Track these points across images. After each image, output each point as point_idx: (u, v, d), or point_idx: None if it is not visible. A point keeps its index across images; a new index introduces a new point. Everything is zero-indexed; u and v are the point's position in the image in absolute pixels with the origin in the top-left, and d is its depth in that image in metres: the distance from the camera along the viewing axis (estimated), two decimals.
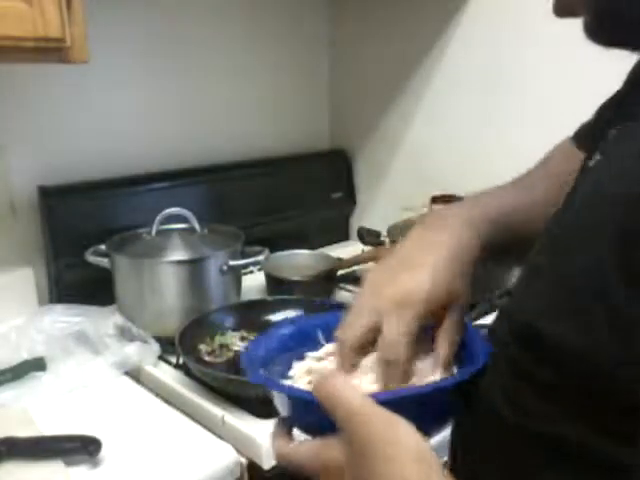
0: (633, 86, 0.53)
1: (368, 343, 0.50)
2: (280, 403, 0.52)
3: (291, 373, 0.55)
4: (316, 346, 0.56)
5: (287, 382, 0.54)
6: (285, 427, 0.51)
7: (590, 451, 0.39)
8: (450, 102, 1.43)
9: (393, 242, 1.27)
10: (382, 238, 1.34)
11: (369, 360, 0.51)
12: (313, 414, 0.46)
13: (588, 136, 0.59)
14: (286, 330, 0.59)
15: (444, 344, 0.50)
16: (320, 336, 0.57)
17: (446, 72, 1.42)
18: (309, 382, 0.53)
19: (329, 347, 0.55)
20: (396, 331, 0.48)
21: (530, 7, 1.23)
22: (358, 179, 1.68)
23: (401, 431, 0.42)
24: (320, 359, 0.55)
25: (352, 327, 0.51)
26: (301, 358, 0.56)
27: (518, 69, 1.29)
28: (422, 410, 0.45)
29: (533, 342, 0.41)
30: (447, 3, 1.37)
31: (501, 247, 0.58)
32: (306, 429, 0.49)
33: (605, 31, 0.49)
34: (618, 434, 0.37)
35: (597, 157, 0.47)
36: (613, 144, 0.45)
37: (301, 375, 0.54)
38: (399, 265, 0.53)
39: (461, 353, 0.52)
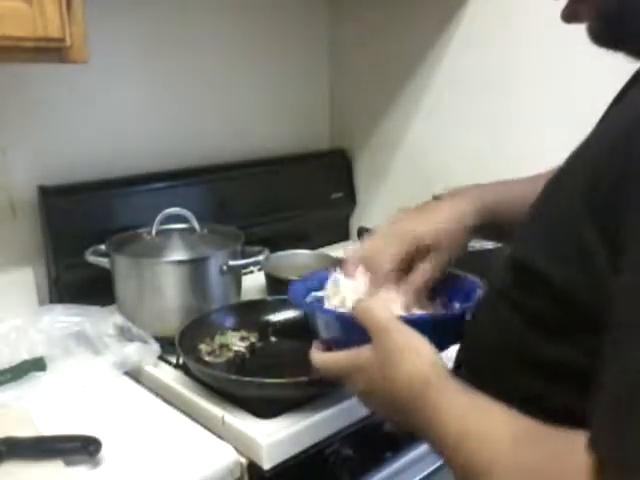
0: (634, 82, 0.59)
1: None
2: (322, 324, 0.68)
3: (321, 293, 0.74)
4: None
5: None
6: (322, 346, 0.67)
7: (561, 363, 0.48)
8: (450, 102, 1.42)
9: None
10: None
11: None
12: (349, 331, 0.61)
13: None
14: (316, 280, 0.78)
15: (417, 274, 0.69)
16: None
17: (446, 72, 1.42)
18: (341, 301, 0.69)
19: (327, 288, 0.73)
20: (384, 255, 0.69)
21: (530, 7, 1.23)
22: (358, 179, 1.68)
23: (418, 341, 0.56)
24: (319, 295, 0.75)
25: (362, 246, 0.72)
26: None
27: (518, 69, 1.29)
28: (432, 331, 0.58)
29: (527, 275, 0.49)
30: (447, 3, 1.37)
31: (493, 225, 0.72)
32: (340, 345, 0.63)
33: (612, 34, 0.53)
34: (588, 348, 0.44)
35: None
36: None
37: (331, 293, 0.72)
38: (412, 214, 0.73)
39: (459, 295, 0.72)
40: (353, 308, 0.62)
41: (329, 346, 0.66)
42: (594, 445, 0.39)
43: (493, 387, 0.50)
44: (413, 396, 0.53)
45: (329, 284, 0.73)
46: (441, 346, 0.59)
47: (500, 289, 0.55)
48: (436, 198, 0.78)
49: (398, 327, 0.57)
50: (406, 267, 0.71)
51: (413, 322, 0.58)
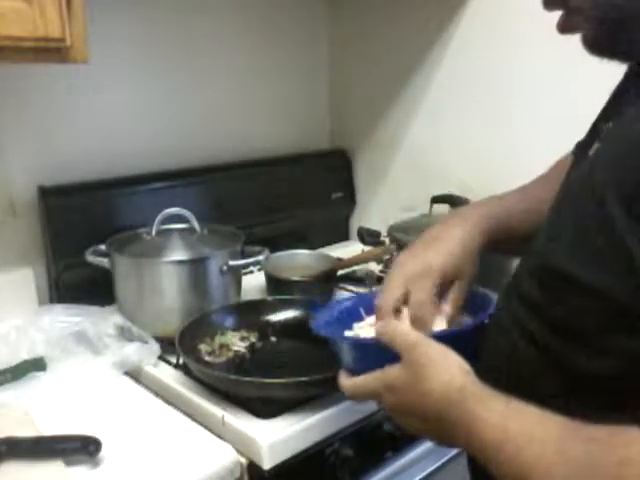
0: (622, 89, 0.63)
1: (400, 306, 0.68)
2: (347, 353, 0.67)
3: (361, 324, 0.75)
4: (360, 319, 0.75)
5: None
6: (348, 374, 0.66)
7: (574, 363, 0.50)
8: (450, 102, 1.42)
9: (393, 242, 1.27)
10: (382, 238, 1.34)
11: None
12: (374, 356, 0.62)
13: (582, 144, 0.70)
14: (337, 307, 0.79)
15: (451, 304, 0.69)
16: (362, 311, 0.75)
17: (446, 72, 1.42)
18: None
19: (369, 319, 0.73)
20: (420, 294, 0.67)
21: (530, 7, 1.23)
22: (358, 179, 1.68)
23: (448, 354, 0.57)
24: (362, 327, 0.74)
25: (387, 295, 0.68)
26: (350, 328, 0.74)
27: (518, 69, 1.29)
28: (458, 345, 0.59)
29: (559, 282, 0.51)
30: (446, 3, 1.37)
31: (500, 241, 0.75)
32: (366, 370, 0.63)
33: (611, 42, 0.55)
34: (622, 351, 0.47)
35: (596, 145, 0.56)
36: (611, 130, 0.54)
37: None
38: (421, 248, 0.72)
39: (473, 307, 0.72)
40: (378, 330, 0.62)
41: (354, 372, 0.66)
42: None
43: (513, 393, 0.51)
44: (450, 405, 0.54)
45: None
46: (467, 359, 0.60)
47: (524, 296, 0.57)
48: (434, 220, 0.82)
49: (427, 342, 0.59)
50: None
51: (440, 337, 0.60)
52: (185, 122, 1.40)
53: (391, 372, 0.59)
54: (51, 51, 0.81)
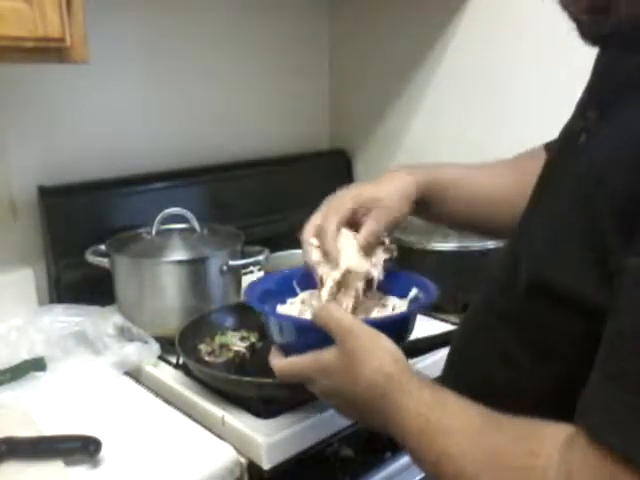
0: (599, 76, 0.62)
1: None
2: (280, 331, 0.67)
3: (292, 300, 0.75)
4: (293, 294, 0.76)
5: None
6: (281, 352, 0.66)
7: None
8: (450, 102, 1.42)
9: (393, 242, 1.26)
10: (382, 238, 1.34)
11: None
12: (309, 336, 0.62)
13: (567, 130, 0.69)
14: (272, 279, 0.79)
15: (362, 233, 0.73)
16: (296, 286, 0.76)
17: (446, 72, 1.42)
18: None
19: (303, 295, 0.75)
20: (328, 223, 0.77)
21: (530, 6, 1.23)
22: (358, 179, 1.68)
23: (382, 341, 0.57)
24: (294, 303, 0.75)
25: (309, 224, 0.80)
26: (283, 302, 0.75)
27: (518, 69, 1.29)
28: (390, 331, 0.59)
29: (544, 290, 0.50)
30: (447, 3, 1.37)
31: (430, 205, 0.77)
32: (300, 351, 0.62)
33: (605, 29, 0.54)
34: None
35: (583, 137, 0.55)
36: (597, 123, 0.53)
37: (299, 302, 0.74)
38: (351, 188, 0.81)
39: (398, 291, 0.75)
40: (314, 313, 0.62)
41: (287, 351, 0.66)
42: (590, 427, 0.40)
43: (484, 393, 0.51)
44: (376, 393, 0.55)
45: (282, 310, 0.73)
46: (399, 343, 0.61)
47: (503, 301, 0.57)
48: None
49: (361, 327, 0.58)
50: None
51: (374, 324, 0.60)
52: (185, 122, 1.40)
53: (325, 356, 0.59)
54: (51, 51, 0.81)
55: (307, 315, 0.70)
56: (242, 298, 1.13)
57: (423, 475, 0.99)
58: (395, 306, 0.74)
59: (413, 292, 0.75)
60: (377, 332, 0.58)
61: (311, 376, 0.61)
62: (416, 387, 0.53)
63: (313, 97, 1.66)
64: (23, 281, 1.16)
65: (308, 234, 0.78)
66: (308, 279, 0.74)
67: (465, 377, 0.62)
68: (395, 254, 1.22)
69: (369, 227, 0.73)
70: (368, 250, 0.73)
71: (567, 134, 0.65)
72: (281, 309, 0.74)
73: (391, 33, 1.50)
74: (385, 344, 0.57)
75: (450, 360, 0.66)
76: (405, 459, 0.99)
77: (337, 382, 0.58)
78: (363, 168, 1.66)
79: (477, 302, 0.64)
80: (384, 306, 0.74)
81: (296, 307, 0.74)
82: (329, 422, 0.86)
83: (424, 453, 0.50)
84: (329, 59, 1.66)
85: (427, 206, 0.77)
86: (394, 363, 0.56)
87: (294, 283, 0.76)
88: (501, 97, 1.33)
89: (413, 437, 0.51)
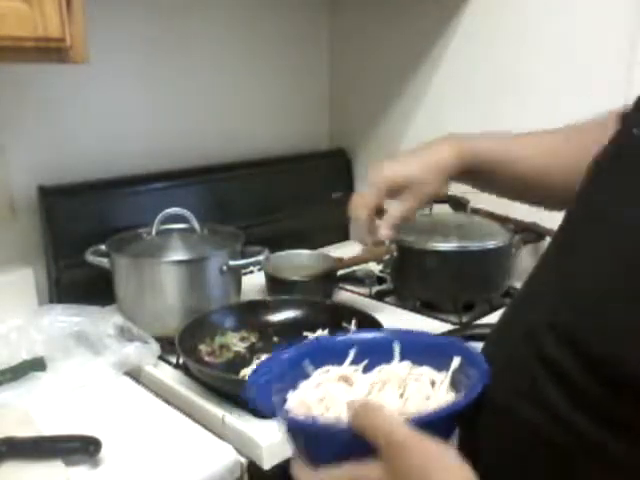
0: None
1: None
2: (303, 438, 0.51)
3: (287, 406, 0.53)
4: (304, 375, 0.57)
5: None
6: (306, 459, 0.50)
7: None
8: (450, 102, 1.42)
9: (393, 242, 1.26)
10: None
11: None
12: (342, 446, 0.46)
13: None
14: (276, 361, 0.59)
15: (395, 210, 0.79)
16: (308, 365, 0.58)
17: (446, 72, 1.42)
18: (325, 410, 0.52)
19: (317, 374, 0.56)
20: (361, 199, 0.81)
21: (532, 6, 1.23)
22: (358, 179, 1.68)
23: (445, 458, 0.43)
24: (309, 388, 0.55)
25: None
26: (295, 388, 0.55)
27: (519, 69, 1.29)
28: (449, 426, 0.48)
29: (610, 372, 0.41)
30: (447, 3, 1.37)
31: (473, 173, 0.77)
32: (330, 461, 0.47)
33: None
34: None
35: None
36: None
37: (297, 406, 0.53)
38: (388, 161, 0.81)
39: (461, 377, 0.53)
40: (352, 419, 0.46)
41: (312, 458, 0.49)
42: None
43: None
44: None
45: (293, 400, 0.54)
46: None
47: (550, 365, 0.45)
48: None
49: (417, 440, 0.44)
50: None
51: (429, 423, 0.46)
52: (185, 122, 1.40)
53: (369, 471, 0.45)
54: (51, 51, 0.81)
55: (329, 409, 0.52)
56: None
57: None
58: (434, 381, 0.54)
59: (456, 361, 0.54)
60: (436, 445, 0.44)
61: None
62: None
63: (313, 97, 1.66)
64: (23, 281, 1.16)
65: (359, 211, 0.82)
66: (323, 355, 0.58)
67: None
68: (395, 254, 1.23)
69: (401, 207, 0.79)
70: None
71: (631, 121, 0.53)
72: (293, 399, 0.54)
73: (391, 33, 1.50)
74: (449, 463, 0.44)
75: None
76: None
77: None
78: (363, 168, 1.66)
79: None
80: (418, 381, 0.55)
81: (312, 392, 0.54)
82: None
83: None
84: (329, 59, 1.66)
85: (473, 178, 0.79)
86: None
87: (307, 362, 0.58)
88: (501, 96, 1.33)
89: None
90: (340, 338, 0.62)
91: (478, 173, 0.78)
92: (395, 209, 0.80)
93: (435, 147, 0.79)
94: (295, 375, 0.56)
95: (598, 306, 0.43)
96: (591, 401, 0.42)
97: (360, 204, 0.82)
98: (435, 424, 0.46)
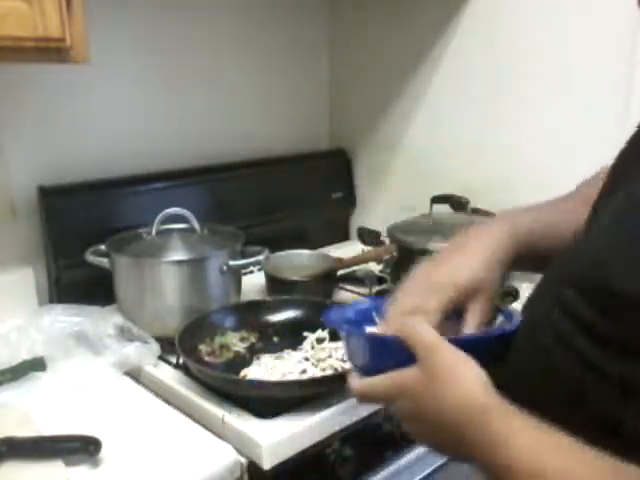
0: None
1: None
2: (360, 350, 0.63)
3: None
4: (373, 323, 0.70)
5: None
6: (360, 375, 0.61)
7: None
8: (450, 102, 1.43)
9: (393, 242, 1.27)
10: (382, 238, 1.34)
11: None
12: (390, 355, 0.58)
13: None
14: (351, 308, 0.74)
15: (471, 324, 0.64)
16: (375, 316, 0.71)
17: (446, 72, 1.42)
18: None
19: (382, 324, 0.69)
20: (431, 305, 0.63)
21: (531, 7, 1.23)
22: (358, 179, 1.68)
23: (468, 363, 0.53)
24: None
25: (398, 304, 0.65)
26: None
27: (518, 71, 1.29)
28: (477, 352, 0.55)
29: (603, 297, 0.47)
30: (447, 3, 1.37)
31: (523, 257, 0.69)
32: (378, 371, 0.58)
33: None
34: None
35: None
36: None
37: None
38: (441, 260, 0.68)
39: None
40: (397, 327, 0.58)
41: (367, 374, 0.61)
42: None
43: (547, 414, 0.48)
44: (467, 419, 0.51)
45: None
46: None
47: (570, 313, 0.52)
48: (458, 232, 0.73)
49: (446, 346, 0.54)
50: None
51: (460, 343, 0.56)
52: (185, 122, 1.40)
53: (406, 374, 0.55)
54: (51, 51, 0.81)
55: None
56: (252, 297, 1.13)
57: (423, 475, 1.00)
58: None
59: (499, 320, 0.67)
60: (462, 353, 0.54)
61: (391, 394, 0.57)
62: (518, 420, 0.49)
63: (313, 97, 1.66)
64: (23, 281, 1.16)
65: (396, 314, 0.66)
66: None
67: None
68: (395, 254, 1.23)
69: (474, 320, 0.65)
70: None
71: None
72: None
73: (391, 33, 1.50)
74: (470, 367, 0.53)
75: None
76: (405, 459, 0.99)
77: (415, 403, 0.54)
78: (363, 168, 1.66)
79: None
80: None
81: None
82: (329, 422, 0.86)
83: None
84: (329, 59, 1.66)
85: (519, 261, 0.70)
86: (484, 389, 0.52)
87: (374, 314, 0.71)
88: (501, 97, 1.33)
89: (522, 474, 0.47)
90: None
91: (525, 253, 0.70)
92: (472, 319, 0.66)
93: (488, 237, 0.69)
94: (363, 322, 0.69)
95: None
96: (596, 330, 0.48)
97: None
98: (467, 347, 0.55)
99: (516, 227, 0.69)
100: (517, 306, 0.67)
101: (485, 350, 0.57)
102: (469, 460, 0.52)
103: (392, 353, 0.58)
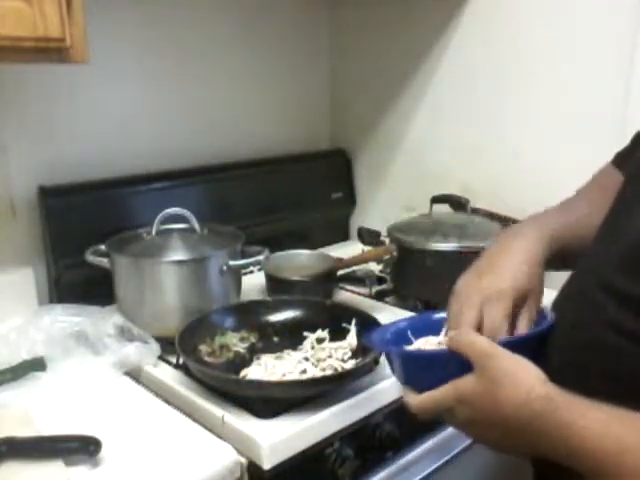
0: None
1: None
2: (412, 368, 0.66)
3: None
4: (408, 343, 0.73)
5: None
6: (413, 391, 0.64)
7: None
8: (450, 102, 1.43)
9: (393, 242, 1.27)
10: (382, 238, 1.34)
11: None
12: (443, 370, 0.60)
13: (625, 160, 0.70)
14: (390, 329, 0.77)
15: (524, 324, 0.67)
16: (410, 335, 0.74)
17: (446, 72, 1.42)
18: None
19: (418, 342, 0.73)
20: (496, 317, 0.65)
21: (531, 7, 1.23)
22: (358, 179, 1.68)
23: (525, 363, 0.57)
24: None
25: (462, 321, 0.66)
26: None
27: (518, 69, 1.29)
28: (529, 351, 0.59)
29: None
30: (447, 3, 1.37)
31: (558, 256, 0.73)
32: (435, 386, 0.61)
33: None
34: None
35: None
36: None
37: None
38: (487, 269, 0.70)
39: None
40: (449, 341, 0.61)
41: (420, 390, 0.64)
42: None
43: (599, 389, 0.52)
44: (535, 415, 0.53)
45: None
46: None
47: (613, 291, 0.58)
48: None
49: (501, 352, 0.58)
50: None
51: (510, 344, 0.60)
52: (185, 122, 1.40)
53: (464, 383, 0.58)
54: (51, 51, 0.81)
55: None
56: (251, 297, 1.13)
57: (423, 475, 1.00)
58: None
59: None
60: (517, 355, 0.58)
61: (450, 405, 0.59)
62: (583, 406, 0.52)
63: (313, 97, 1.66)
64: (23, 281, 1.16)
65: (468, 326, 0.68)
66: (422, 329, 0.74)
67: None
68: (395, 254, 1.23)
69: (529, 324, 0.68)
70: None
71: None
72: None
73: (391, 33, 1.50)
74: (529, 366, 0.57)
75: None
76: (405, 459, 0.99)
77: (482, 409, 0.57)
78: (363, 168, 1.67)
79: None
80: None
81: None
82: (329, 422, 0.86)
83: (619, 471, 0.50)
84: (329, 59, 1.66)
85: (551, 261, 0.74)
86: (544, 384, 0.55)
87: (409, 333, 0.75)
88: (500, 97, 1.33)
89: (602, 460, 0.50)
90: (436, 316, 0.77)
91: (557, 255, 0.74)
92: (525, 320, 0.69)
93: (522, 244, 0.72)
94: (401, 342, 0.73)
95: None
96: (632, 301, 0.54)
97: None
98: (516, 348, 0.58)
99: (548, 229, 0.72)
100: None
101: (529, 349, 0.60)
102: (538, 455, 0.56)
103: (444, 366, 0.61)
